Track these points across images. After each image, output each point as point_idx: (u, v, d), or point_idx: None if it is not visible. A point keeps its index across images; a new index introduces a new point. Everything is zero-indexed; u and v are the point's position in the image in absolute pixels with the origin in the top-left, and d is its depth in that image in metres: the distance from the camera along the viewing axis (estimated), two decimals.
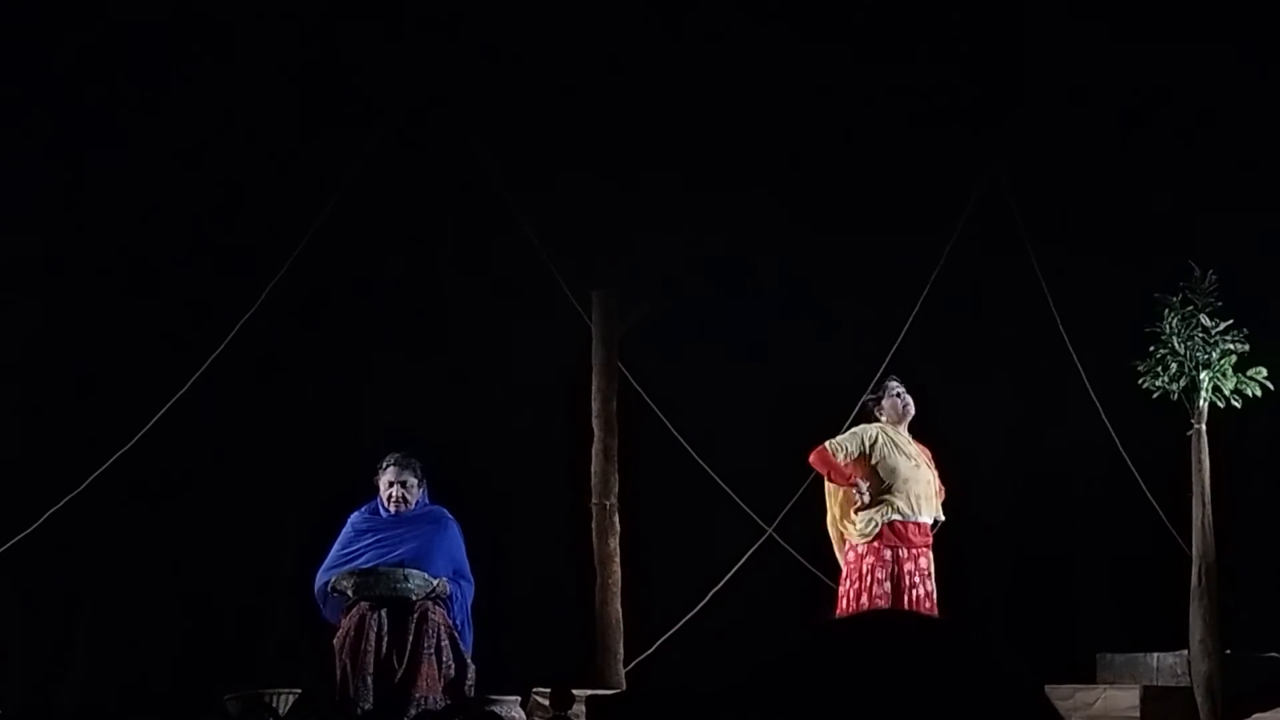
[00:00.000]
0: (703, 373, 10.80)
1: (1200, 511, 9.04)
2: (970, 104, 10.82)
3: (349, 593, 7.52)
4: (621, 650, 9.49)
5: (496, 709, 7.71)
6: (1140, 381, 9.05)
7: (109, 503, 9.83)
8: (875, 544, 8.22)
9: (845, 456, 8.30)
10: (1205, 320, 8.99)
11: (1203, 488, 9.01)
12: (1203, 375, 8.96)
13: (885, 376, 8.74)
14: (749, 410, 10.99)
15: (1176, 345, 8.99)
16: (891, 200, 10.76)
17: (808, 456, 8.40)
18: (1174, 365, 8.99)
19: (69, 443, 9.77)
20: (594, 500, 9.62)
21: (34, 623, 10.13)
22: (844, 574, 8.39)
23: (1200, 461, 9.01)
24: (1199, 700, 8.97)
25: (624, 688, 9.13)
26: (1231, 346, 8.96)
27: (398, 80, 10.10)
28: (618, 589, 9.52)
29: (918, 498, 8.29)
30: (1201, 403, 8.99)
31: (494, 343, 10.64)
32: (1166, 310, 9.04)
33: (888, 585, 8.21)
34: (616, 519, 9.59)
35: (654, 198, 10.15)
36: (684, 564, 10.31)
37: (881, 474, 8.30)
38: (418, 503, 7.84)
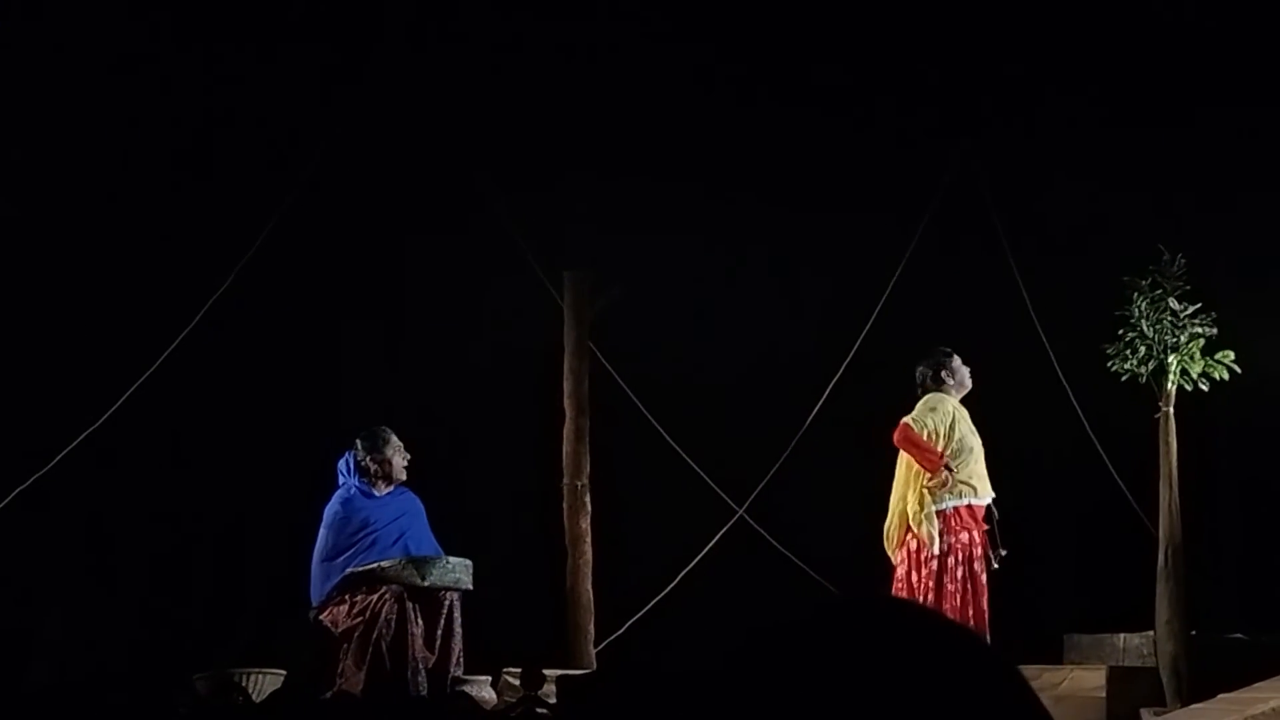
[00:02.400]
0: (675, 353, 10.81)
1: (1167, 494, 9.10)
2: (942, 88, 10.83)
3: (413, 580, 7.43)
4: (593, 630, 9.52)
5: (467, 689, 7.74)
6: (1109, 364, 9.10)
7: (77, 482, 9.79)
8: (954, 525, 8.14)
9: (929, 435, 8.16)
10: (1174, 304, 9.04)
11: (1170, 470, 9.07)
12: (1171, 358, 9.01)
13: (939, 350, 8.50)
14: (721, 391, 11.00)
15: (1145, 329, 9.04)
16: (865, 183, 10.78)
17: (892, 435, 8.13)
18: (1142, 348, 9.04)
19: (36, 421, 9.72)
20: (565, 480, 9.63)
21: (2, 601, 10.09)
22: (921, 558, 8.19)
23: (1168, 444, 9.07)
24: (1164, 681, 9.04)
25: (595, 668, 9.16)
26: (1199, 330, 9.01)
27: (371, 60, 10.06)
28: (589, 569, 9.54)
29: (982, 478, 8.33)
30: (1169, 386, 9.04)
31: (466, 323, 10.63)
32: (1135, 294, 9.09)
33: (960, 571, 8.20)
34: (588, 499, 9.60)
35: (627, 178, 10.14)
36: (655, 545, 10.33)
37: (959, 453, 8.19)
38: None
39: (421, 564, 7.61)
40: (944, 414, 8.22)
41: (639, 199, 10.13)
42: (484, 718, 7.26)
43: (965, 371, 8.39)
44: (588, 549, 9.55)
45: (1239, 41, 10.32)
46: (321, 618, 7.62)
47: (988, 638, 7.92)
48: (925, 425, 8.16)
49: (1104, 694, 9.14)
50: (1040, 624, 10.23)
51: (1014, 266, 10.52)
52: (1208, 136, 10.35)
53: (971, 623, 8.06)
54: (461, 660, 7.69)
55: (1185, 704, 8.78)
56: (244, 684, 8.15)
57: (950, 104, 10.78)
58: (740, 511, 10.38)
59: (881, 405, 11.22)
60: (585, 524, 9.58)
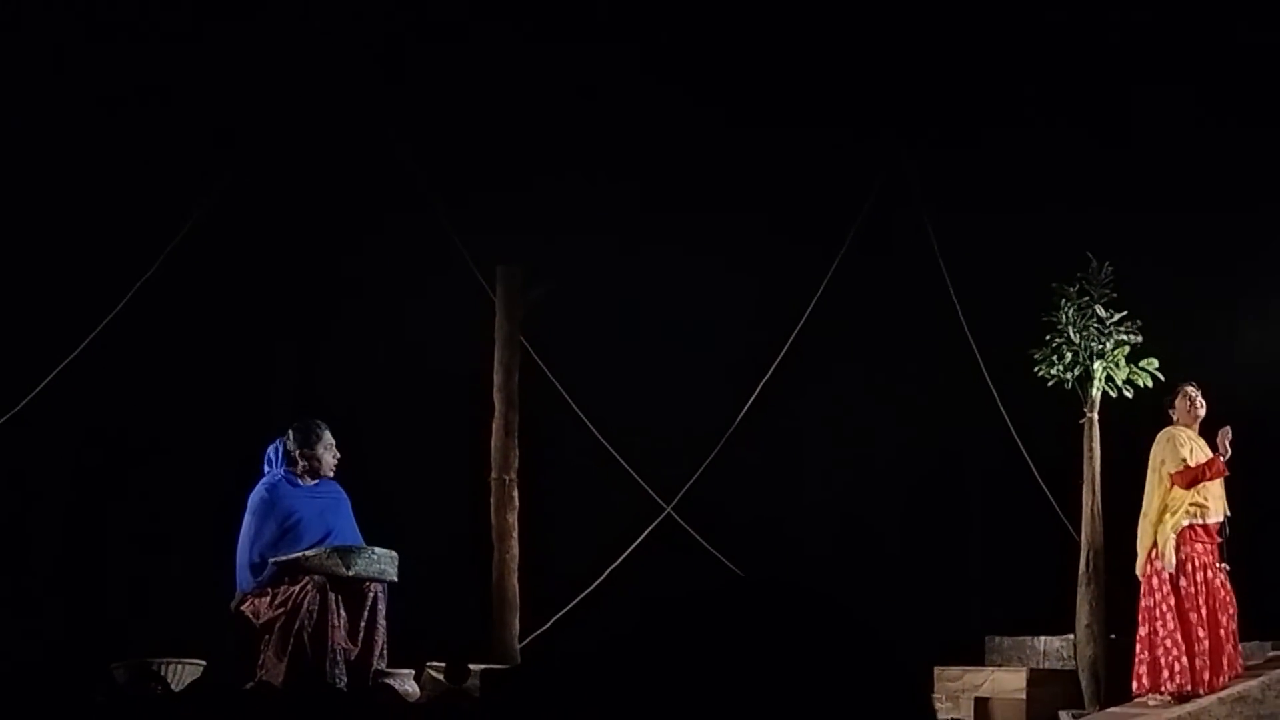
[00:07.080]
0: (605, 349, 10.81)
1: (1090, 499, 9.20)
2: (875, 91, 10.89)
3: (337, 570, 7.38)
4: (517, 625, 9.50)
5: (391, 681, 7.69)
6: (1036, 370, 9.18)
7: None
8: (1185, 547, 8.41)
9: (1181, 463, 8.48)
10: (1100, 311, 9.14)
11: (1093, 475, 9.18)
12: (1096, 365, 9.11)
13: (1181, 381, 8.78)
14: (650, 388, 11.02)
15: (1072, 335, 9.13)
16: (797, 184, 10.82)
17: (1183, 485, 8.45)
18: (1069, 355, 9.13)
19: None
20: (493, 475, 9.60)
21: None
22: (1158, 576, 8.44)
23: (1091, 450, 9.18)
24: (1083, 684, 9.14)
25: (519, 662, 9.14)
26: (1125, 337, 9.12)
27: (307, 56, 9.99)
28: (515, 564, 9.52)
29: (1217, 498, 8.52)
30: (1094, 392, 9.15)
31: (397, 315, 10.58)
32: (1063, 300, 9.18)
33: (1198, 577, 8.41)
34: (515, 494, 9.58)
35: (561, 174, 10.13)
36: (582, 541, 10.32)
37: None
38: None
39: (346, 554, 7.55)
40: (1169, 444, 8.53)
41: (572, 195, 10.12)
42: (407, 711, 7.22)
43: (1187, 404, 8.67)
44: (514, 544, 9.53)
45: (1169, 51, 10.44)
46: (242, 608, 7.54)
47: (1236, 641, 8.25)
48: (1178, 461, 8.48)
49: (1024, 696, 9.23)
50: (962, 626, 10.31)
51: (944, 270, 10.59)
52: (1138, 145, 10.47)
53: (1223, 628, 8.44)
54: (385, 653, 7.63)
55: (1103, 707, 8.89)
56: (163, 673, 8.06)
57: (883, 107, 10.83)
58: (668, 509, 10.39)
59: (810, 406, 11.29)
60: (512, 519, 9.55)
